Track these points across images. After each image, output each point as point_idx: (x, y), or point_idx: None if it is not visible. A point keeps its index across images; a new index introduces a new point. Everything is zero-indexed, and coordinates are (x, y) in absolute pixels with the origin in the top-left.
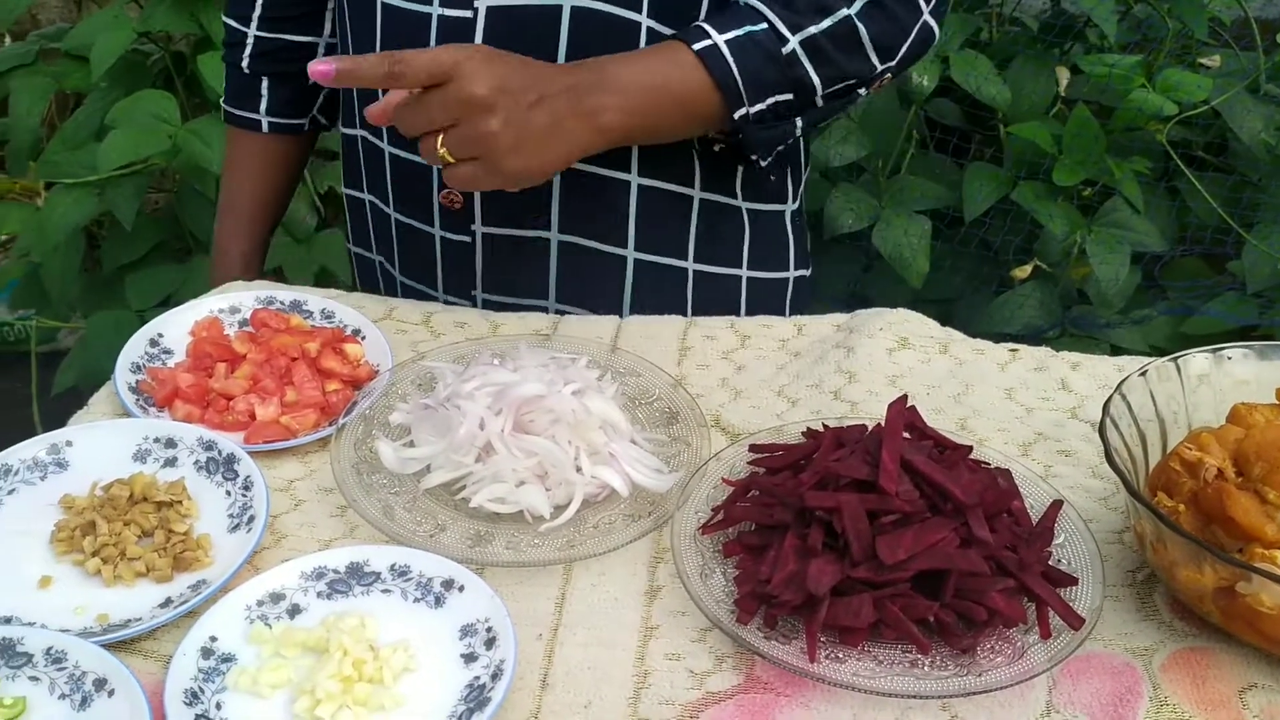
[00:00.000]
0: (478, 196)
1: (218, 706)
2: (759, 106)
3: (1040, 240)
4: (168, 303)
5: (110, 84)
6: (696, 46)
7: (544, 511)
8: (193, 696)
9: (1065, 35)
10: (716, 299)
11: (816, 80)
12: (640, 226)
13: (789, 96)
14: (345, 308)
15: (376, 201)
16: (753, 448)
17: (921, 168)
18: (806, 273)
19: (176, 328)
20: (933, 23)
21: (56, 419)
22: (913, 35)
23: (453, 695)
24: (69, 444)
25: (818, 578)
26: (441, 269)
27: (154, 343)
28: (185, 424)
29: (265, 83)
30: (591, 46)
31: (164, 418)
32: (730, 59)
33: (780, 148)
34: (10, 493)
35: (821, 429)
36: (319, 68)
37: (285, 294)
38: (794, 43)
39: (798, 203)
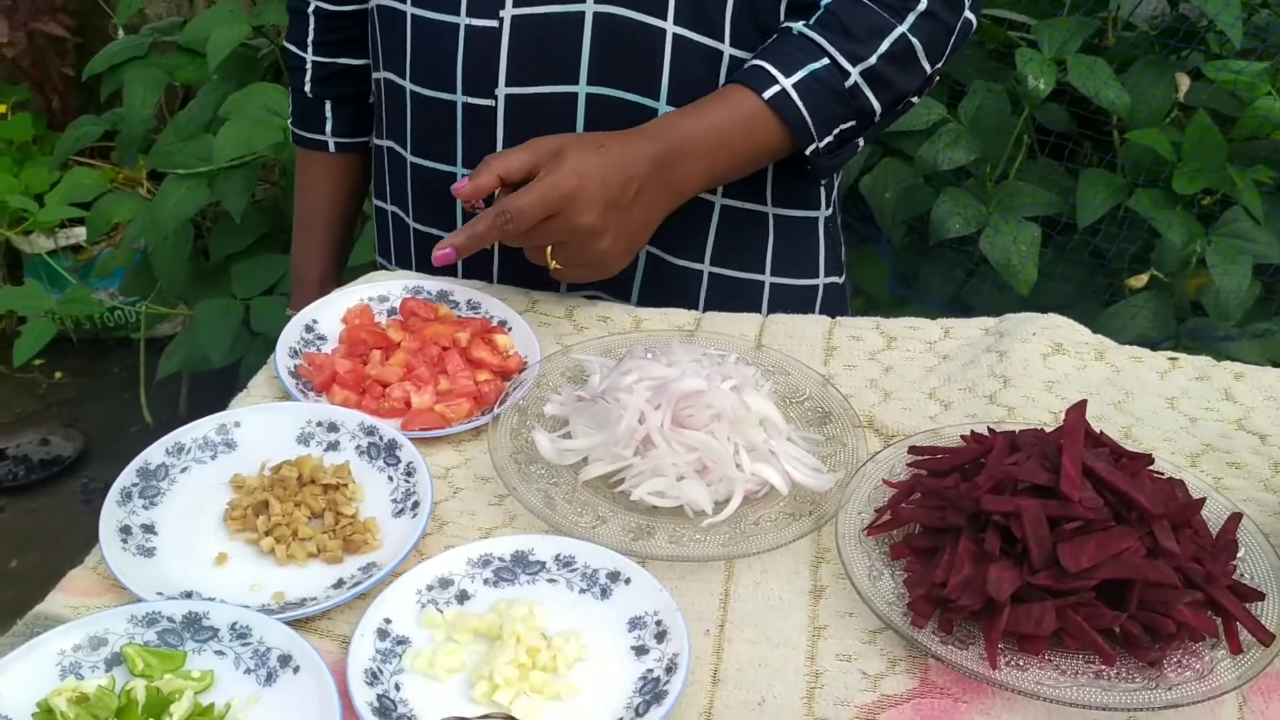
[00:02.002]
0: (500, 134)
1: (396, 687)
2: (827, 139)
3: (1156, 249)
4: (271, 292)
5: (222, 77)
6: (766, 95)
7: (706, 506)
8: (373, 676)
9: (1186, 40)
10: (735, 304)
11: (877, 105)
12: (660, 229)
13: (852, 124)
14: (491, 299)
15: (399, 213)
16: (913, 449)
17: (1030, 173)
18: (839, 279)
19: (329, 314)
20: (971, 16)
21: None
22: (956, 32)
23: (627, 687)
24: (237, 425)
25: (998, 583)
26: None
27: (309, 328)
28: (346, 409)
29: (328, 105)
30: (615, 52)
31: (321, 402)
32: (799, 103)
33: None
34: (183, 470)
35: (987, 433)
36: (442, 254)
37: (432, 284)
38: (855, 75)
39: (831, 209)
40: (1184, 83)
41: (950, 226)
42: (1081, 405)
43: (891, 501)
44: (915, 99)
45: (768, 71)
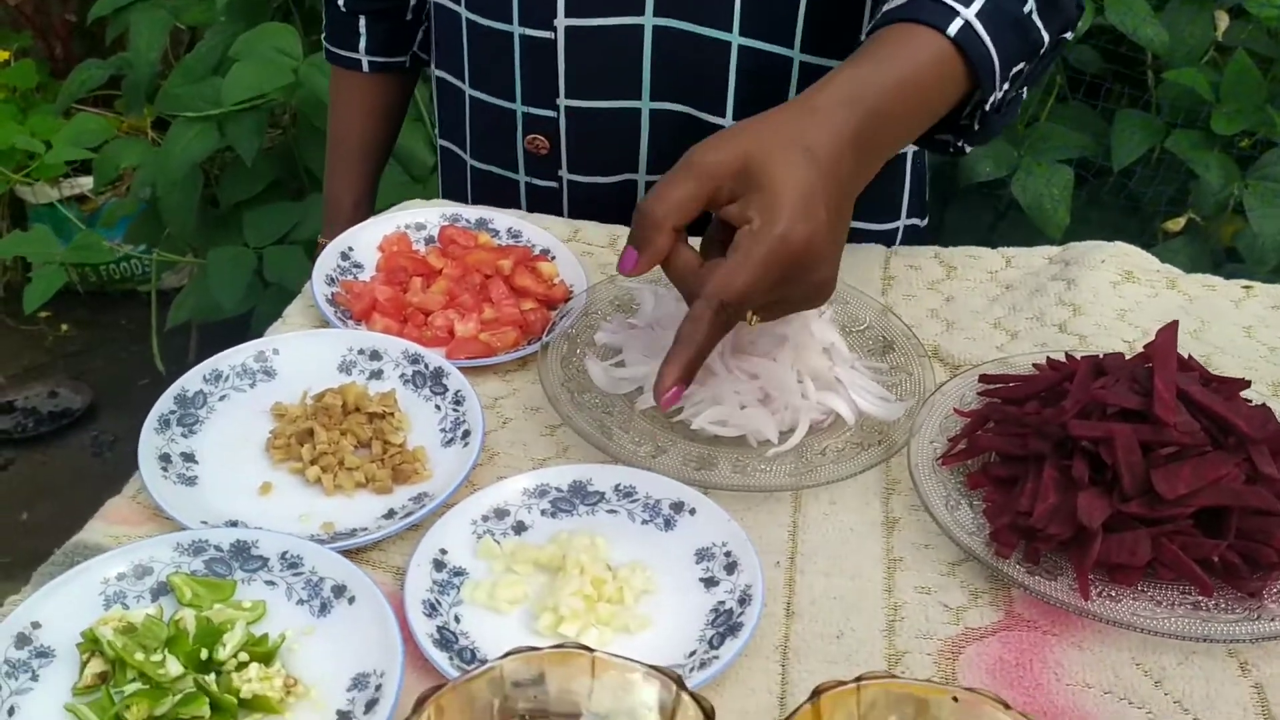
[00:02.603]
0: (564, 141)
1: (456, 619)
2: (1004, 87)
3: (1193, 193)
4: (284, 240)
5: (230, 17)
6: (951, 31)
7: (771, 435)
8: (431, 608)
9: None
10: None
11: (1046, 36)
12: None
13: (1023, 67)
14: (531, 227)
15: (455, 149)
16: (984, 378)
17: (1062, 116)
18: (920, 222)
19: (365, 242)
20: None
21: (167, 357)
22: None
23: (698, 619)
24: (275, 352)
25: (1089, 511)
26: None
27: (345, 256)
28: (389, 336)
29: (363, 21)
30: (676, 63)
31: (360, 330)
32: (985, 38)
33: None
34: (222, 399)
35: (1065, 359)
36: (669, 395)
37: (470, 212)
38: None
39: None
40: (1222, 21)
41: (981, 169)
42: (1173, 326)
43: (966, 430)
44: (1068, 36)
45: (944, 3)
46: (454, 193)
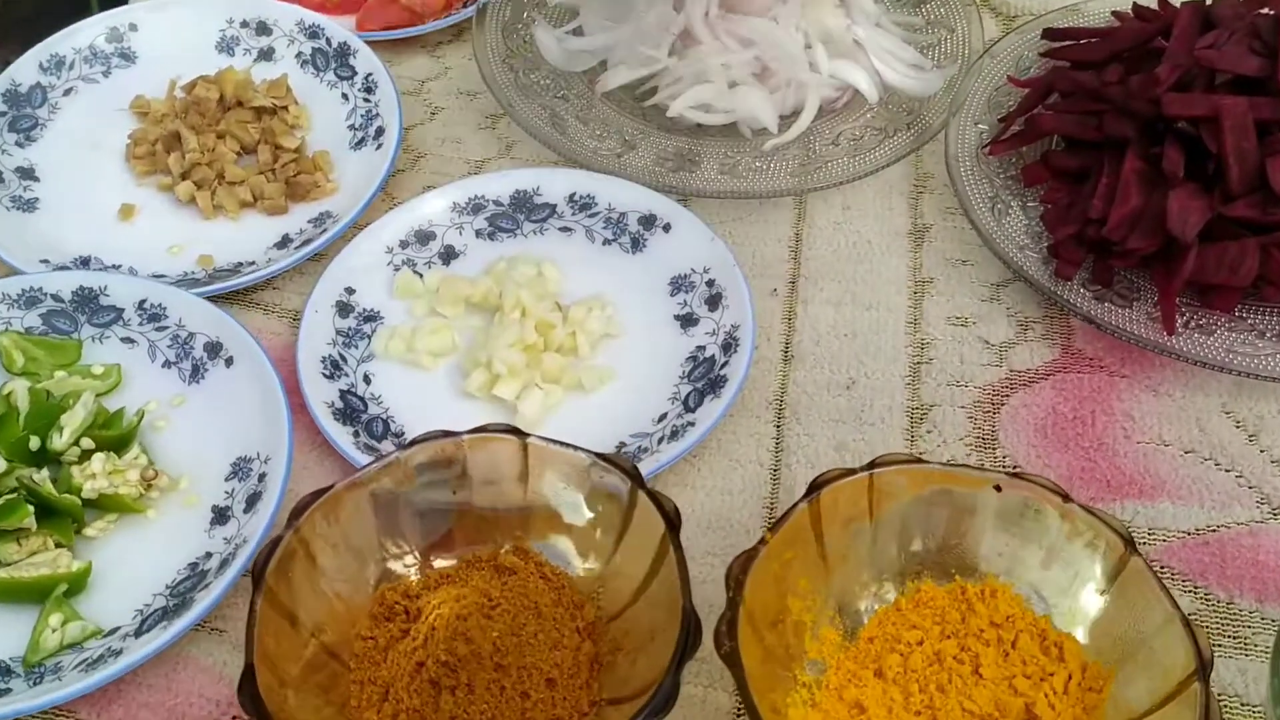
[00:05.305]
0: None
1: (366, 380)
2: None
3: None
4: None
5: None
6: None
7: (768, 122)
8: (333, 367)
9: None
10: None
11: None
12: None
13: None
14: None
15: None
16: (1048, 33)
17: None
18: None
19: None
20: None
21: None
22: None
23: (670, 371)
24: (133, 28)
25: (1181, 215)
26: None
27: None
28: (280, 1)
29: None
30: None
31: None
32: None
33: None
34: (67, 93)
35: (1158, 6)
36: None
37: None
38: None
39: None
40: None
41: None
42: None
43: (1023, 105)
44: None
45: None
46: None
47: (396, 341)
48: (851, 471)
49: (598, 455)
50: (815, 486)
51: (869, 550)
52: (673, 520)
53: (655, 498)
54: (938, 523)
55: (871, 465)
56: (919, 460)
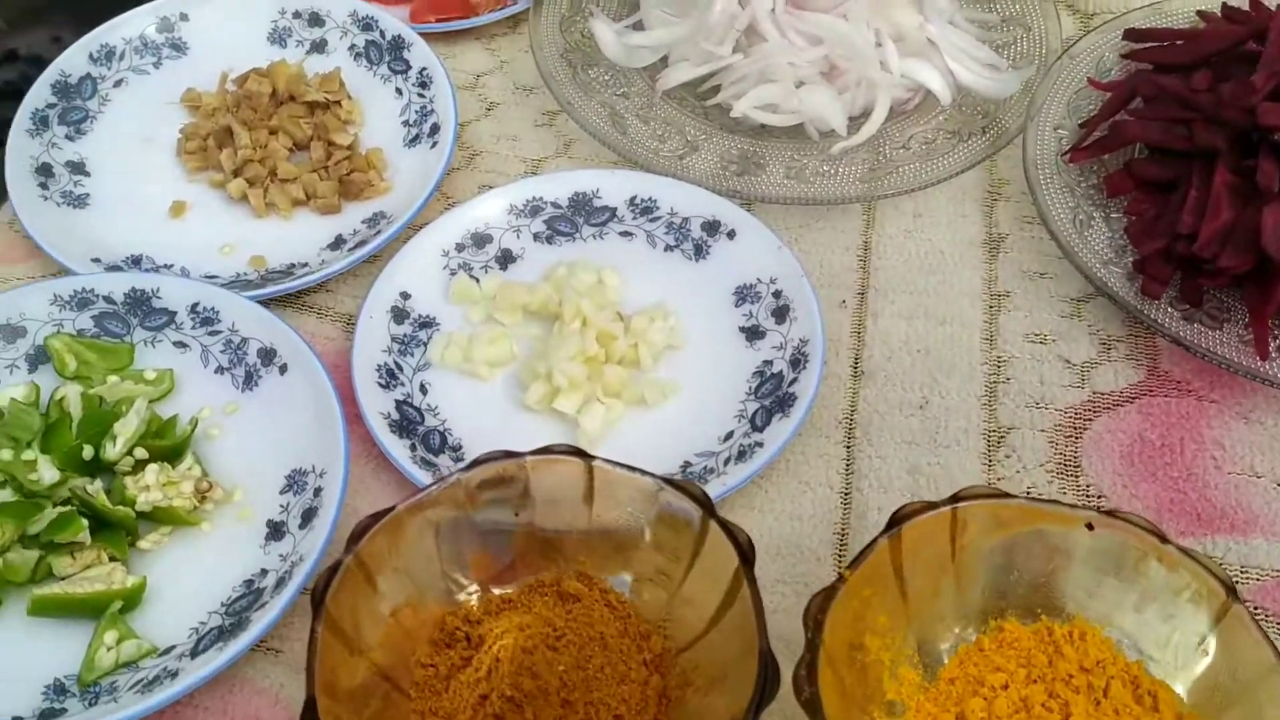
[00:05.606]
0: None
1: (422, 390)
2: None
3: None
4: None
5: None
6: None
7: (836, 124)
8: (389, 376)
9: None
10: None
11: None
12: None
13: None
14: None
15: None
16: (1130, 34)
17: None
18: None
19: None
20: None
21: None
22: None
23: (735, 387)
24: (183, 18)
25: (1276, 232)
26: None
27: None
28: None
29: None
30: None
31: None
32: None
33: None
34: (117, 84)
35: (1249, 6)
36: None
37: None
38: None
39: None
40: None
41: None
42: None
43: (1105, 110)
44: None
45: None
46: None
47: (453, 350)
48: (933, 505)
49: (666, 480)
50: (895, 520)
51: (952, 588)
52: (747, 554)
53: (727, 527)
54: (1024, 560)
55: (955, 499)
56: (1004, 494)
